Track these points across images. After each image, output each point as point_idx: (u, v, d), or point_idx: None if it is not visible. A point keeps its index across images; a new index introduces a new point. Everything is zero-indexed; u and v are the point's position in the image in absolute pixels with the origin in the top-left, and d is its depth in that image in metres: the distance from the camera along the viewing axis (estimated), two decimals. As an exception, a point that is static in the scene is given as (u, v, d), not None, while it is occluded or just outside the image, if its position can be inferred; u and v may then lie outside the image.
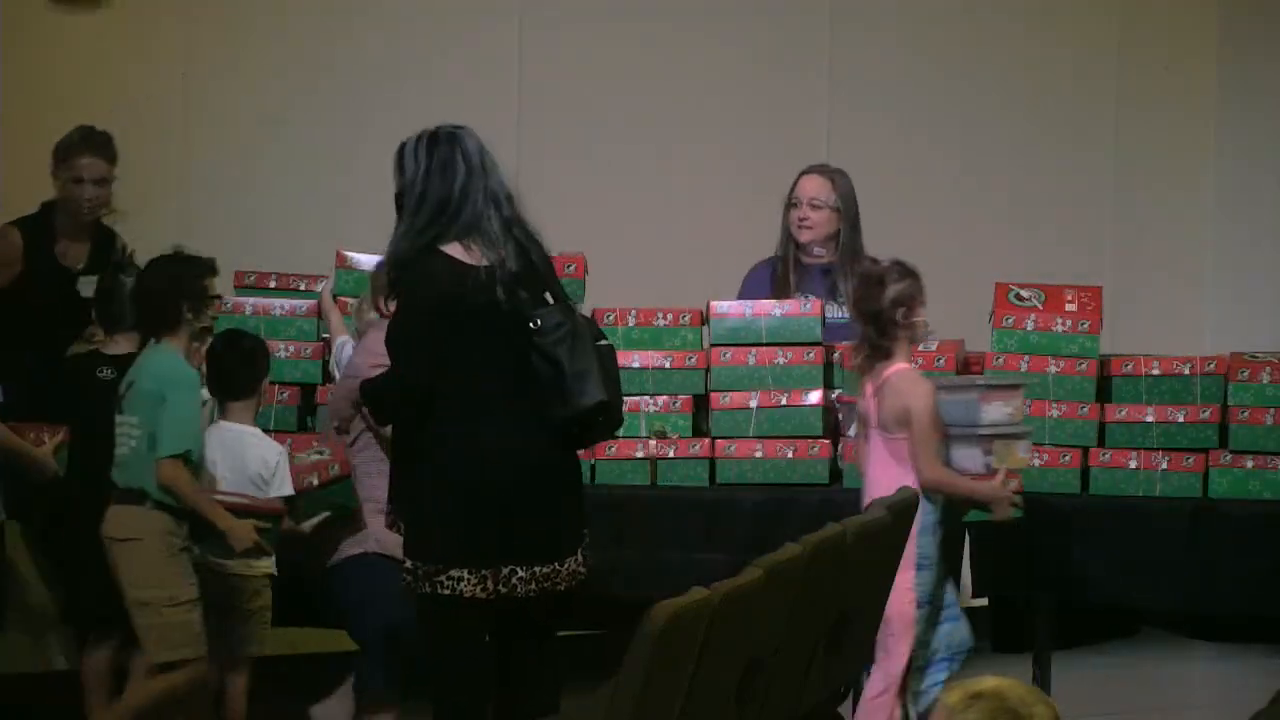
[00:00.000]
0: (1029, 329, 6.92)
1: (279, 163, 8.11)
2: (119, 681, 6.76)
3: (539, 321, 5.64)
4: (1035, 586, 6.84)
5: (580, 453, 6.65)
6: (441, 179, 5.68)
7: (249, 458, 6.51)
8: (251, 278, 7.17)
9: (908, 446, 6.19)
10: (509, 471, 5.64)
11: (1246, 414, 6.86)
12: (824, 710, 6.22)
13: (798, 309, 7.03)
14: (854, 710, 6.68)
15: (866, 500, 6.22)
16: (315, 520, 6.60)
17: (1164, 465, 6.88)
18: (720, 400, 6.93)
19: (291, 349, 6.94)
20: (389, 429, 6.03)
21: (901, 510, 6.14)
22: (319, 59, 8.26)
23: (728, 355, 6.96)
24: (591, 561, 5.77)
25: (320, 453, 6.67)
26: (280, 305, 7.00)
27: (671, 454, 6.88)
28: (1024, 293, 6.97)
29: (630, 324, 6.99)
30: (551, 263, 5.87)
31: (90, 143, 7.21)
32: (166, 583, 6.22)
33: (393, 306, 5.78)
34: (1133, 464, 6.87)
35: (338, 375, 6.78)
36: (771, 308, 7.02)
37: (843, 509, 6.23)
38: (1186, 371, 6.92)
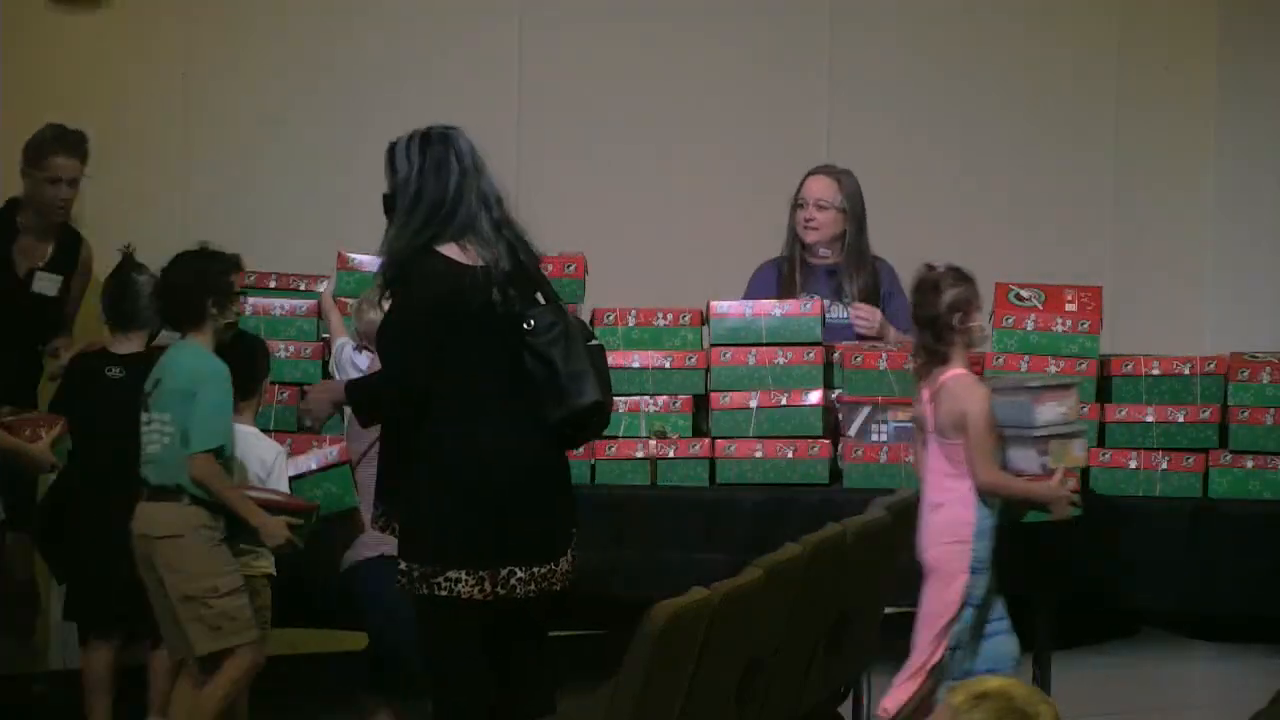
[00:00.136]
0: (1029, 329, 6.92)
1: (279, 163, 8.11)
2: (120, 681, 6.78)
3: (532, 322, 5.63)
4: (1035, 586, 6.84)
5: (580, 453, 6.67)
6: (436, 179, 5.67)
7: (248, 457, 6.51)
8: (251, 278, 7.15)
9: (964, 451, 6.21)
10: (506, 472, 5.64)
11: (1246, 414, 6.86)
12: (824, 710, 6.22)
13: (798, 309, 7.03)
14: (854, 710, 6.69)
15: (927, 504, 6.26)
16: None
17: (1164, 465, 6.89)
18: (720, 400, 6.93)
19: (291, 349, 6.94)
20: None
21: (901, 510, 6.15)
22: (319, 59, 8.26)
23: (728, 355, 6.96)
24: (578, 561, 5.77)
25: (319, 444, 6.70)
26: (280, 305, 6.99)
27: (671, 454, 6.88)
28: (1024, 293, 6.97)
29: (630, 324, 6.99)
30: (540, 263, 5.86)
31: (65, 143, 7.18)
32: (210, 575, 6.27)
33: (386, 307, 5.78)
34: (1133, 464, 6.87)
35: (338, 376, 6.78)
36: (771, 308, 7.02)
37: (843, 509, 6.24)
38: (1186, 371, 6.93)
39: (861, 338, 7.22)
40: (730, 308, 7.03)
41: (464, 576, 5.58)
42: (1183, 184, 10.02)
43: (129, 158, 7.87)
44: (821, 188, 7.31)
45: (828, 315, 7.17)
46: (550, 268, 6.87)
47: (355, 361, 6.77)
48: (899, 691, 6.22)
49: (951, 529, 6.20)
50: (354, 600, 6.53)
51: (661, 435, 6.89)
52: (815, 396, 6.91)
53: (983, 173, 9.50)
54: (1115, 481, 6.86)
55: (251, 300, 7.05)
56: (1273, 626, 7.16)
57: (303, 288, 7.09)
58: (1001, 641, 6.29)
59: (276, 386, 6.84)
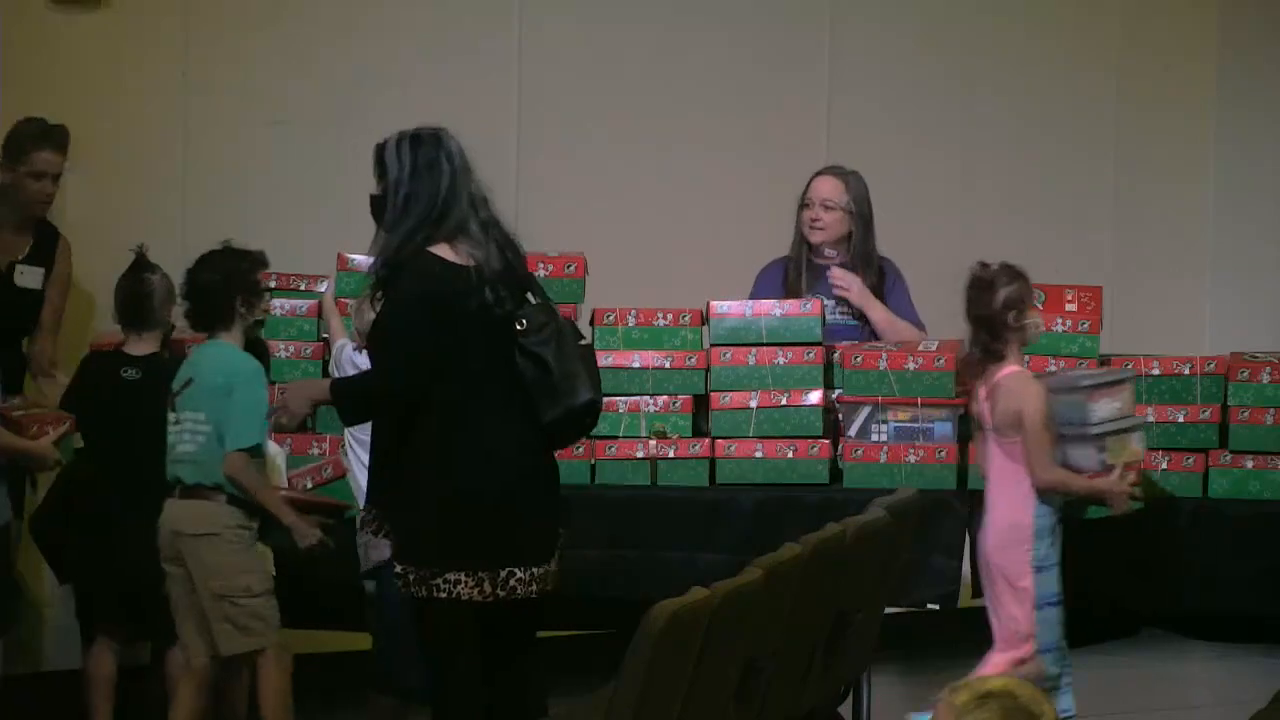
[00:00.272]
0: (1029, 329, 6.91)
1: (279, 163, 8.10)
2: (123, 682, 6.78)
3: (525, 321, 5.63)
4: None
5: (580, 452, 6.67)
6: (428, 180, 5.67)
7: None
8: (251, 278, 7.17)
9: (1021, 449, 6.22)
10: (504, 473, 5.64)
11: (1246, 414, 6.86)
12: (824, 710, 6.22)
13: (798, 309, 7.03)
14: (854, 710, 6.70)
15: (989, 503, 6.29)
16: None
17: (1164, 465, 6.88)
18: (720, 400, 6.93)
19: (291, 349, 6.94)
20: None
21: (901, 510, 6.14)
22: (319, 59, 8.25)
23: (728, 355, 6.96)
24: (566, 561, 5.78)
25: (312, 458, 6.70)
26: (280, 305, 6.99)
27: (671, 454, 6.88)
28: (1024, 293, 6.95)
29: (630, 324, 6.98)
30: (527, 262, 5.86)
31: (50, 138, 7.17)
32: (243, 574, 6.31)
33: (378, 307, 5.77)
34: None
35: (336, 376, 6.77)
36: (771, 308, 7.02)
37: (843, 509, 6.24)
38: (1186, 371, 6.92)
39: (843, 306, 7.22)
40: (730, 308, 7.03)
41: (463, 578, 5.58)
42: (1183, 184, 10.03)
43: (128, 157, 7.87)
44: (828, 188, 7.32)
45: (831, 315, 7.17)
46: (550, 268, 6.88)
47: (355, 362, 6.76)
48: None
49: (1011, 530, 6.26)
50: (377, 598, 6.51)
51: (661, 435, 6.89)
52: (815, 396, 6.91)
53: (982, 172, 9.50)
54: (1115, 481, 6.86)
55: (250, 300, 7.06)
56: (1273, 626, 7.15)
57: (303, 288, 7.09)
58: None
59: (276, 386, 6.84)
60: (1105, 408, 6.37)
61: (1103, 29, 9.82)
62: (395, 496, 5.72)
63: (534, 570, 5.66)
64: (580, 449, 6.74)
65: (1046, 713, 3.45)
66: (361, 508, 6.29)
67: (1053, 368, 6.86)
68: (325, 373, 6.94)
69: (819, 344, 6.95)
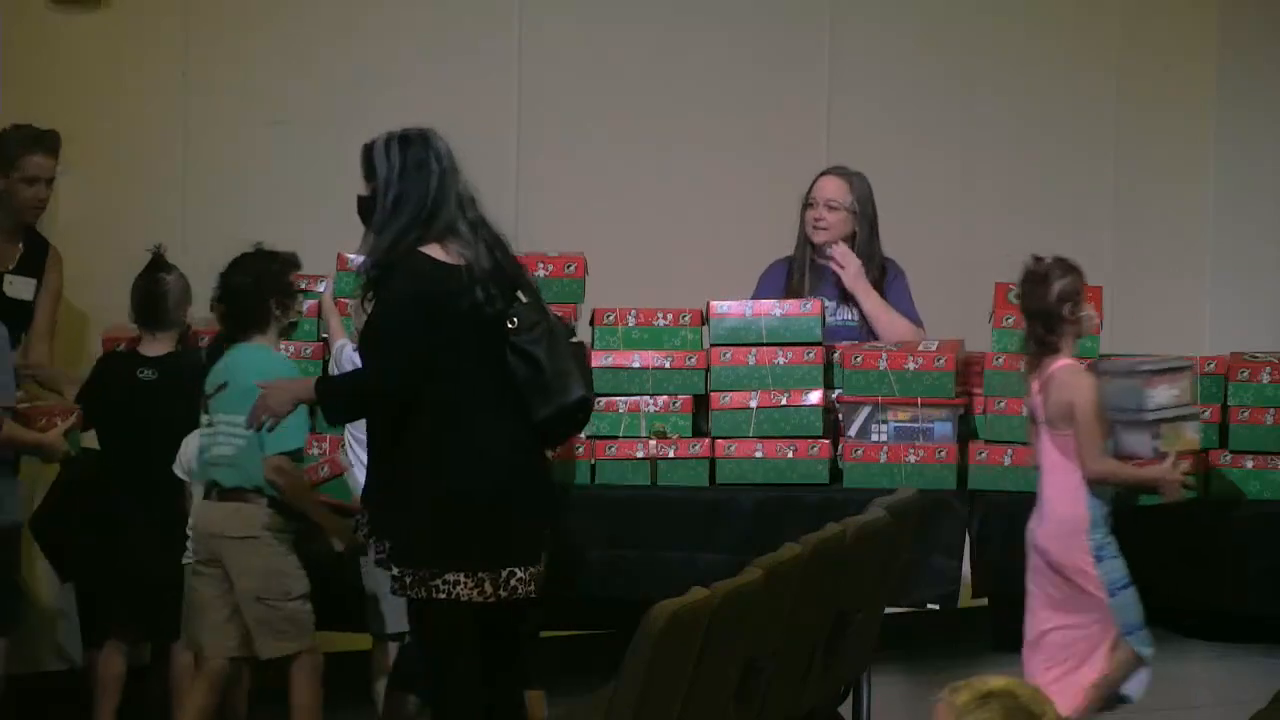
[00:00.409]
0: (1029, 329, 6.91)
1: (279, 163, 8.10)
2: (130, 682, 6.79)
3: (516, 320, 5.63)
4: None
5: (580, 452, 6.67)
6: (417, 179, 5.67)
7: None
8: (251, 278, 7.17)
9: (1073, 441, 6.24)
10: (501, 472, 5.65)
11: (1246, 414, 6.85)
12: (824, 710, 6.22)
13: (798, 309, 7.02)
14: (854, 710, 6.69)
15: (1041, 497, 6.31)
16: None
17: (1164, 465, 6.87)
18: (720, 400, 6.92)
19: (291, 349, 6.93)
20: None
21: (901, 511, 6.14)
22: (319, 59, 8.25)
23: (728, 355, 6.96)
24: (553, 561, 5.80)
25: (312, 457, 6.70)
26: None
27: (671, 454, 6.87)
28: (1024, 293, 6.95)
29: (630, 324, 6.98)
30: (517, 261, 5.85)
31: (44, 142, 7.10)
32: (283, 577, 6.31)
33: (369, 308, 5.77)
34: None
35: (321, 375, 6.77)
36: (771, 308, 7.02)
37: (843, 509, 6.24)
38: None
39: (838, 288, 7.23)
40: (730, 308, 7.02)
41: (462, 579, 5.58)
42: (1183, 184, 10.03)
43: (128, 157, 7.86)
44: (833, 188, 7.31)
45: (833, 317, 7.17)
46: (550, 268, 6.88)
47: (355, 361, 6.74)
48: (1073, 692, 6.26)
49: (1066, 523, 6.28)
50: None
51: (661, 435, 6.88)
52: (815, 396, 6.91)
53: (982, 172, 9.51)
54: (1115, 481, 6.85)
55: (250, 301, 7.06)
56: (1273, 626, 7.15)
57: (303, 288, 7.09)
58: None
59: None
60: (1162, 394, 6.41)
61: (1103, 29, 9.82)
62: (388, 497, 5.71)
63: (531, 569, 5.67)
64: (580, 449, 6.74)
65: (1048, 712, 3.45)
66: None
67: (1053, 368, 6.85)
68: (325, 372, 6.94)
69: (819, 344, 6.95)
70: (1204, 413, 6.65)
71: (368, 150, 5.74)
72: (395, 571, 5.65)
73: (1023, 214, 9.49)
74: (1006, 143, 9.54)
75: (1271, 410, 6.85)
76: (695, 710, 4.61)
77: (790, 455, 6.87)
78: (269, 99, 8.15)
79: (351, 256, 6.99)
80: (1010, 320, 6.91)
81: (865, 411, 6.89)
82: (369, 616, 6.68)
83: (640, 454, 6.86)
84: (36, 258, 7.20)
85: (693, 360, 6.96)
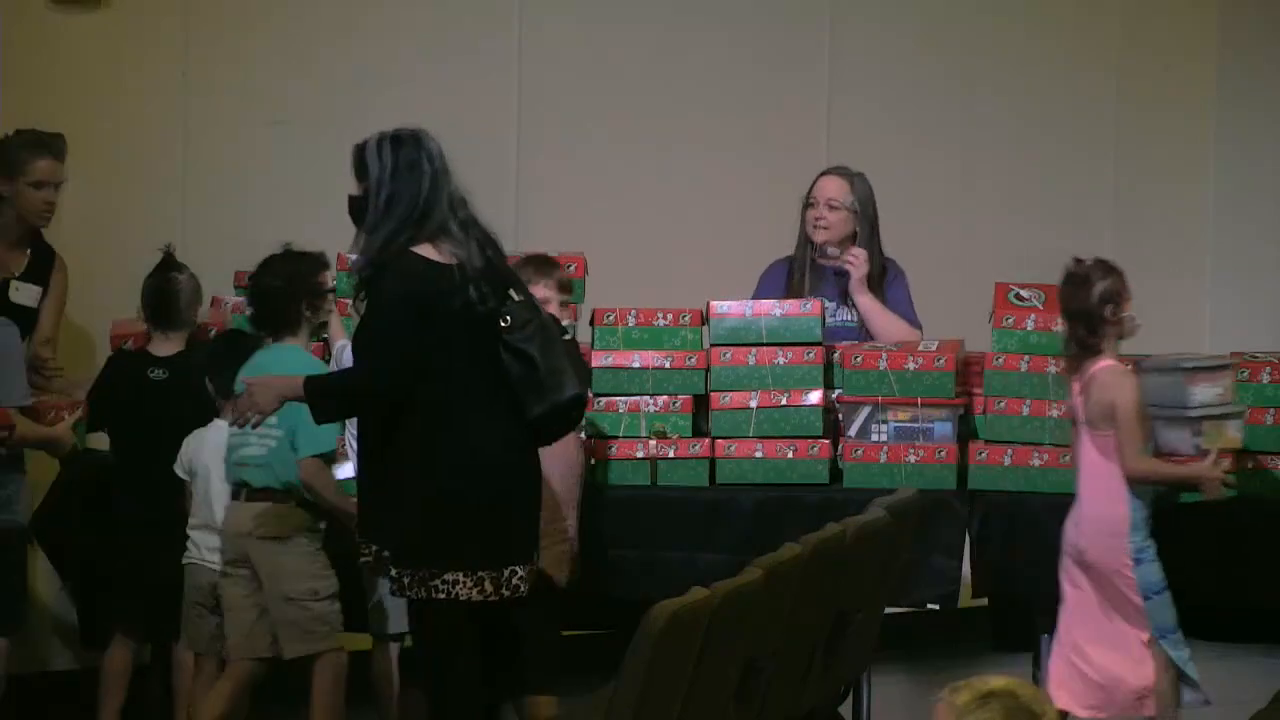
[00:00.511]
0: (1029, 329, 6.92)
1: (279, 163, 8.10)
2: (130, 682, 6.79)
3: (509, 318, 5.63)
4: (1035, 586, 6.83)
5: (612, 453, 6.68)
6: (410, 180, 5.66)
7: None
8: (252, 278, 7.17)
9: (1114, 442, 6.25)
10: (492, 471, 5.65)
11: (1246, 414, 6.85)
12: (824, 710, 6.22)
13: (798, 309, 7.02)
14: (854, 710, 6.69)
15: (1080, 498, 6.31)
16: None
17: (1164, 465, 6.87)
18: (720, 400, 6.93)
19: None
20: None
21: (901, 511, 6.14)
22: (319, 60, 8.25)
23: (728, 355, 6.96)
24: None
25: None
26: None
27: (671, 454, 6.88)
28: (1024, 293, 6.97)
29: (630, 324, 6.98)
30: (507, 260, 5.85)
31: (52, 147, 7.01)
32: (311, 577, 6.32)
33: (363, 308, 5.77)
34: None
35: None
36: (771, 308, 7.02)
37: (843, 509, 6.24)
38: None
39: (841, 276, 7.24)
40: (730, 308, 7.02)
41: (462, 578, 5.58)
42: (1183, 184, 10.03)
43: (128, 157, 7.86)
44: (834, 188, 7.32)
45: (832, 318, 7.17)
46: (550, 268, 6.87)
47: (355, 362, 6.77)
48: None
49: (1106, 524, 6.29)
50: None
51: (661, 435, 6.89)
52: (815, 396, 6.91)
53: (982, 172, 9.51)
54: (1115, 481, 6.85)
55: (251, 300, 7.06)
56: (1273, 626, 7.15)
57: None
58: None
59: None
60: (1204, 392, 6.43)
61: (1103, 29, 9.81)
62: (381, 497, 5.71)
63: (528, 568, 5.67)
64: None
65: (1048, 712, 3.45)
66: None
67: (1052, 368, 6.85)
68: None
69: (819, 344, 6.95)
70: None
71: (359, 150, 5.74)
72: (394, 572, 5.65)
73: (1023, 214, 9.49)
74: (1006, 143, 9.54)
75: (1271, 410, 6.85)
76: (695, 710, 4.61)
77: (790, 455, 6.87)
78: (269, 99, 8.15)
79: (352, 257, 7.00)
80: (1010, 320, 6.91)
81: (865, 411, 6.89)
82: (370, 616, 6.68)
83: (640, 454, 6.86)
84: (43, 265, 7.16)
85: (693, 360, 6.96)
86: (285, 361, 6.31)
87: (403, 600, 5.81)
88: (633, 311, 6.99)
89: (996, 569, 6.86)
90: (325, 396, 5.80)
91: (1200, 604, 6.65)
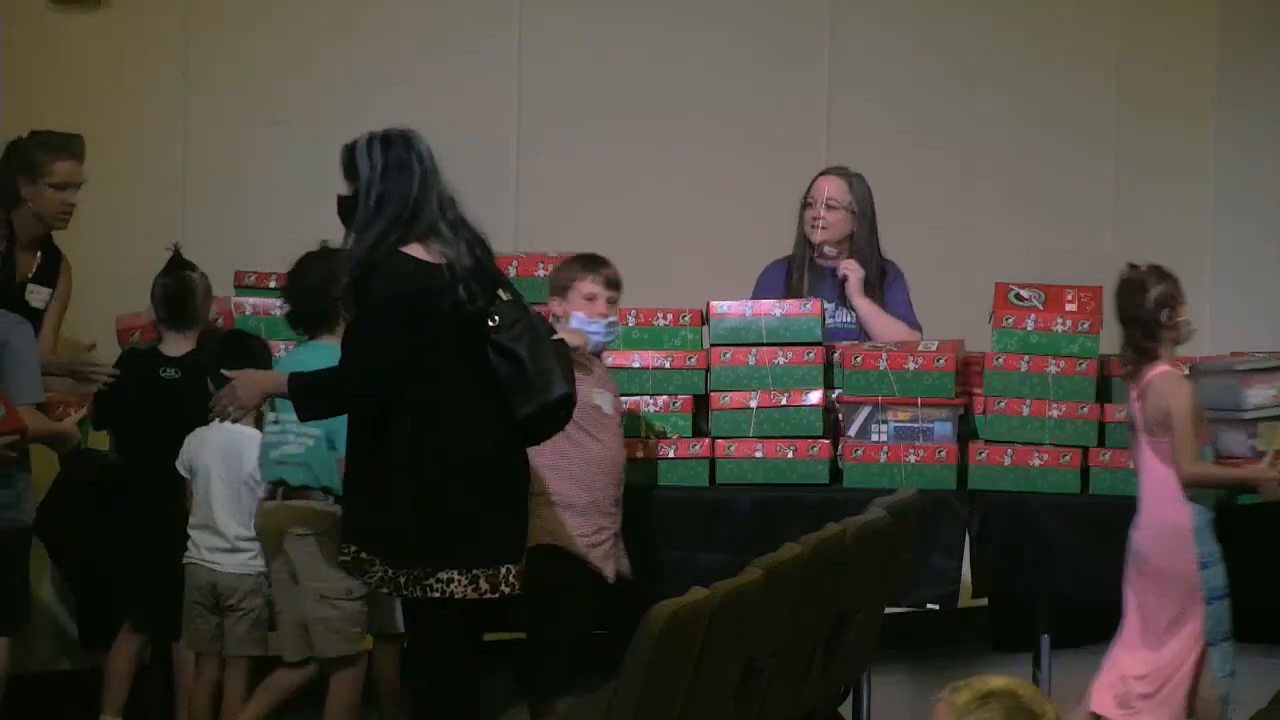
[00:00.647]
0: (1029, 329, 6.92)
1: (279, 163, 8.10)
2: (136, 680, 6.80)
3: (498, 318, 5.63)
4: (1035, 586, 6.84)
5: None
6: (400, 180, 5.66)
7: (244, 459, 6.52)
8: (251, 278, 7.17)
9: (1170, 447, 6.25)
10: (481, 470, 5.65)
11: (1246, 414, 6.86)
12: (824, 710, 6.22)
13: (798, 309, 7.03)
14: (854, 710, 6.69)
15: (1142, 505, 6.35)
16: None
17: (1164, 465, 6.87)
18: (720, 400, 6.93)
19: (283, 349, 6.92)
20: None
21: (901, 511, 6.14)
22: (319, 60, 8.25)
23: (728, 355, 6.96)
24: None
25: None
26: (280, 305, 6.98)
27: (671, 454, 6.88)
28: (1024, 293, 6.97)
29: (630, 324, 6.98)
30: (495, 260, 5.86)
31: (69, 147, 7.00)
32: (346, 577, 6.27)
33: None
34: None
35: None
36: (771, 308, 7.02)
37: (843, 509, 6.24)
38: (1187, 372, 6.91)
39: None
40: (730, 308, 7.03)
41: (456, 576, 5.58)
42: (1183, 184, 10.03)
43: (128, 157, 7.86)
44: (832, 188, 7.32)
45: (831, 319, 7.17)
46: (551, 268, 6.87)
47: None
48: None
49: (1168, 530, 6.30)
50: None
51: (662, 435, 6.89)
52: (815, 396, 6.91)
53: (982, 173, 9.51)
54: (1115, 481, 6.85)
55: (251, 300, 7.07)
56: (1273, 626, 7.15)
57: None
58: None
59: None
60: (1259, 394, 6.45)
61: (1103, 29, 9.81)
62: (370, 497, 5.70)
63: (518, 566, 5.68)
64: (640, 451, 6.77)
65: (1048, 712, 3.45)
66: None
67: (1052, 368, 6.86)
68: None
69: (819, 344, 6.95)
70: None
71: (349, 150, 5.73)
72: (389, 573, 5.64)
73: (1023, 214, 9.49)
74: (1006, 143, 9.54)
75: (1271, 410, 6.86)
76: (695, 710, 4.61)
77: (790, 455, 6.87)
78: (269, 99, 8.15)
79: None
80: (1010, 320, 6.91)
81: (865, 411, 6.89)
82: (371, 616, 6.68)
83: (640, 454, 6.86)
84: (52, 267, 7.16)
85: (693, 360, 6.97)
86: (322, 359, 6.30)
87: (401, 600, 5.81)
88: (633, 311, 6.99)
89: (996, 569, 6.86)
90: (312, 394, 5.77)
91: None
